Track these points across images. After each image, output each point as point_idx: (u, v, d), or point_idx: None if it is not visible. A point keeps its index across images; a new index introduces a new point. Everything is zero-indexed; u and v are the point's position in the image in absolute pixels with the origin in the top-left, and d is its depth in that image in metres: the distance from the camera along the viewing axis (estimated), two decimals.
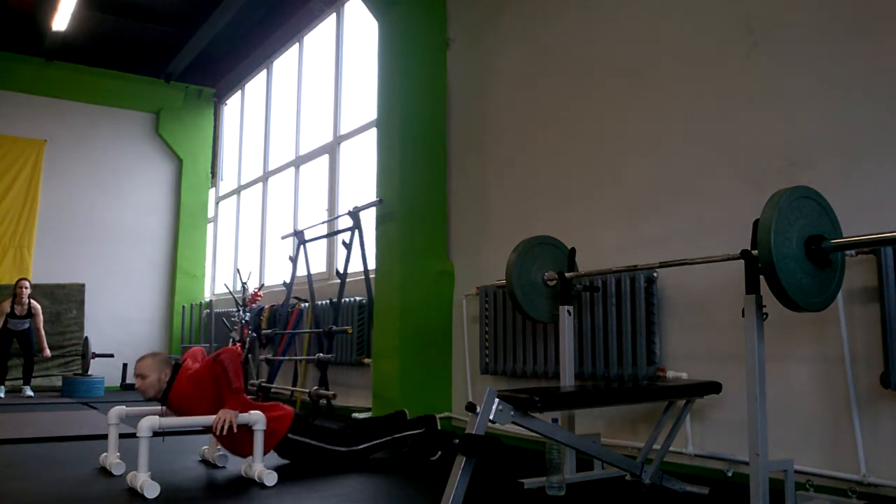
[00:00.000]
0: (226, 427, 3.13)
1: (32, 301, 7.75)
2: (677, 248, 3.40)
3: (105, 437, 3.50)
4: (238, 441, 3.37)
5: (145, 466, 2.93)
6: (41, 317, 7.81)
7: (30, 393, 7.56)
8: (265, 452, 3.30)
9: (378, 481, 3.37)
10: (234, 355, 3.30)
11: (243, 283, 7.54)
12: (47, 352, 7.85)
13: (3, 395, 7.47)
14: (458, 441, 2.32)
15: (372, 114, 5.96)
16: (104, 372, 8.29)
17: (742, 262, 2.50)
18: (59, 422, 5.31)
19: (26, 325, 7.67)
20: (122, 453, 3.38)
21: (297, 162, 8.05)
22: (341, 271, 5.92)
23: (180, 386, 3.35)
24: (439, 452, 3.82)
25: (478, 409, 2.33)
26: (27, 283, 7.71)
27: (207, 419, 3.19)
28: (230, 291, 8.04)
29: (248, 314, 7.36)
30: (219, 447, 3.61)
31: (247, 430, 3.28)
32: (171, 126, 10.08)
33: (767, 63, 3.27)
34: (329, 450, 3.59)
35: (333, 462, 3.60)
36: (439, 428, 3.92)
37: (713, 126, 3.49)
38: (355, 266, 5.81)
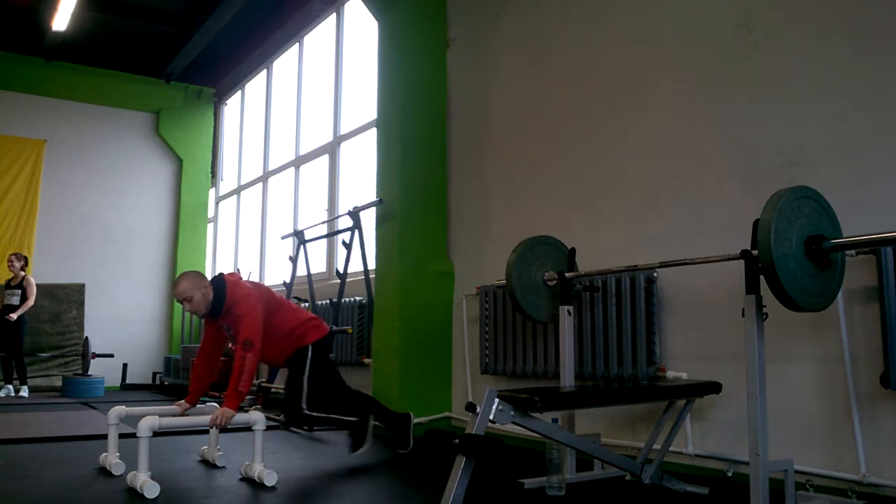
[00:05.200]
0: (222, 424, 3.21)
1: (28, 276, 7.78)
2: (677, 248, 3.40)
3: (105, 437, 3.50)
4: (277, 353, 3.68)
5: (145, 466, 2.93)
6: (33, 289, 7.75)
7: (24, 394, 7.56)
8: (293, 353, 3.72)
9: (378, 481, 3.37)
10: (256, 359, 3.40)
11: None
12: (13, 316, 7.53)
13: (11, 394, 7.47)
14: (458, 441, 2.32)
15: (372, 114, 5.96)
16: (104, 372, 8.28)
17: (742, 262, 2.50)
18: (59, 422, 5.31)
19: (17, 298, 7.65)
20: (122, 453, 3.38)
21: (297, 162, 8.05)
22: (341, 271, 5.92)
23: (235, 305, 3.47)
24: (410, 447, 3.97)
25: (478, 409, 2.33)
26: (13, 257, 7.76)
27: (206, 418, 3.19)
28: None
29: None
30: (218, 447, 3.61)
31: (289, 342, 3.71)
32: (171, 126, 10.08)
33: (767, 63, 3.27)
34: (297, 402, 3.73)
35: (291, 411, 3.76)
36: (413, 423, 4.14)
37: (713, 126, 3.49)
38: (355, 266, 5.81)
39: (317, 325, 3.83)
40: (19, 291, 7.67)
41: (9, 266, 7.74)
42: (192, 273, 3.55)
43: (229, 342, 3.70)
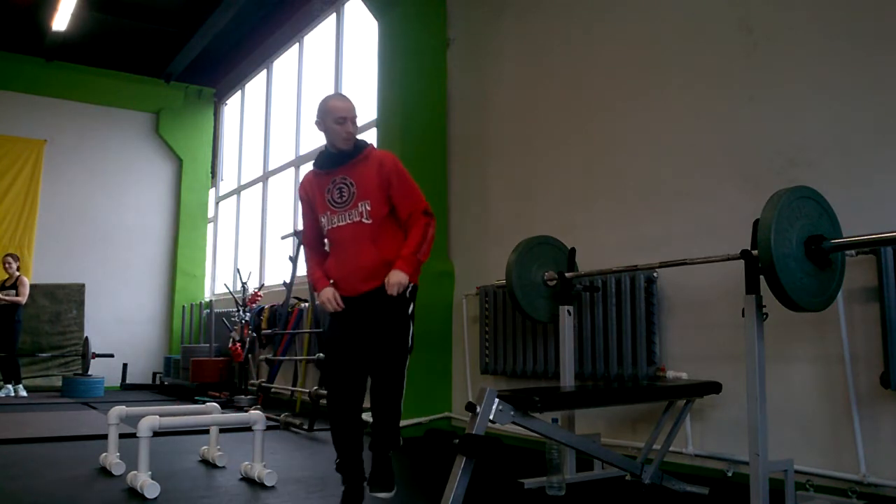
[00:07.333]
0: (398, 290, 2.79)
1: (22, 276, 7.81)
2: (677, 248, 3.39)
3: (105, 437, 3.50)
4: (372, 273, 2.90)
5: (145, 466, 2.93)
6: (26, 288, 7.75)
7: (23, 392, 7.56)
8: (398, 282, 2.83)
9: None
10: (432, 237, 2.97)
11: (243, 283, 7.54)
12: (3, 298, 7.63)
13: (11, 394, 7.48)
14: (458, 441, 2.32)
15: (372, 114, 5.97)
16: (104, 372, 8.28)
17: (742, 262, 2.50)
18: (59, 422, 5.31)
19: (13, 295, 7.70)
20: (122, 453, 3.38)
21: (297, 162, 8.05)
22: None
23: (369, 168, 2.90)
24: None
25: (478, 409, 2.34)
26: (9, 259, 7.80)
27: (206, 418, 3.19)
28: (230, 291, 8.04)
29: (248, 314, 7.36)
30: (218, 447, 3.61)
31: (383, 266, 2.88)
32: (171, 126, 10.08)
33: (767, 63, 3.27)
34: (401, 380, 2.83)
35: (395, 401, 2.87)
36: None
37: (713, 126, 3.49)
38: None
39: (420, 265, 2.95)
40: (13, 291, 7.69)
41: (6, 267, 7.77)
42: None
43: (336, 211, 2.91)
